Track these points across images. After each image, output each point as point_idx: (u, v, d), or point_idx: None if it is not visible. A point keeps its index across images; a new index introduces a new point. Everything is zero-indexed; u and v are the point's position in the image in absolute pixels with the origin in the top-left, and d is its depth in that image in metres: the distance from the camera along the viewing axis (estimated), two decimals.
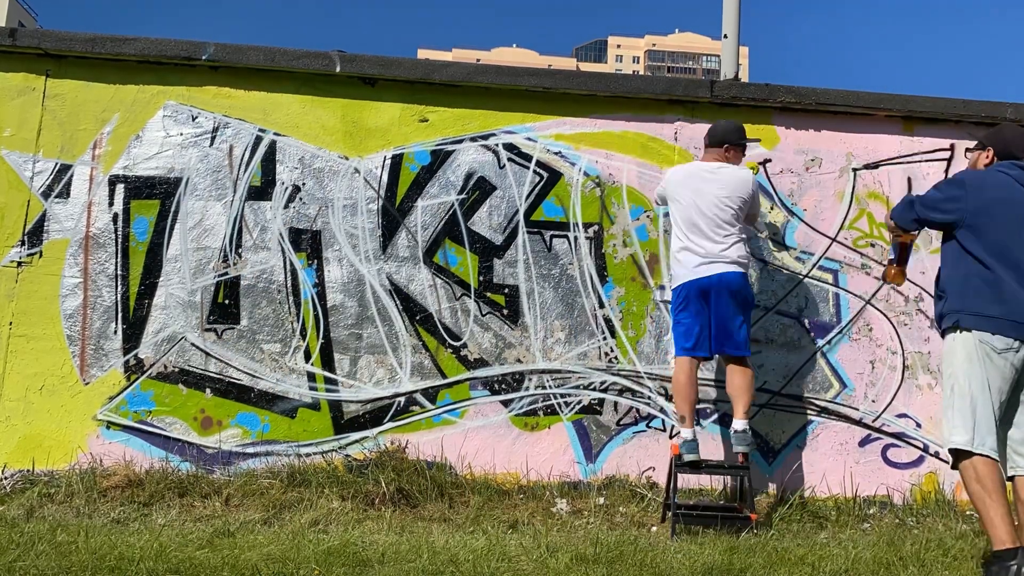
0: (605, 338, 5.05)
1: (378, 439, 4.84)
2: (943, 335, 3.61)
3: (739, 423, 4.40)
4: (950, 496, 4.95)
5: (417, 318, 4.98)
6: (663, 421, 5.00)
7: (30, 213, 4.85)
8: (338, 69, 5.06)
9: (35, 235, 4.85)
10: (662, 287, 5.09)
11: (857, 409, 5.11)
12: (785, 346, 5.12)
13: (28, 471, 4.60)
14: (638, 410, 5.00)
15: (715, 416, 5.01)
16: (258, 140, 5.04)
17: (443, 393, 4.93)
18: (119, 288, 4.85)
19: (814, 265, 5.22)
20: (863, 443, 5.07)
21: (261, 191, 5.01)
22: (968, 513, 4.74)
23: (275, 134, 5.05)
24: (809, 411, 5.08)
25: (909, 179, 5.33)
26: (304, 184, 5.03)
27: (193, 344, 4.85)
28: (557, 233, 5.11)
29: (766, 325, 5.13)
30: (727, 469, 4.59)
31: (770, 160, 5.27)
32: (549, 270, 5.07)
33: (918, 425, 5.11)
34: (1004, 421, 3.44)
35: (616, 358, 5.03)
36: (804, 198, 5.27)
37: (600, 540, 3.77)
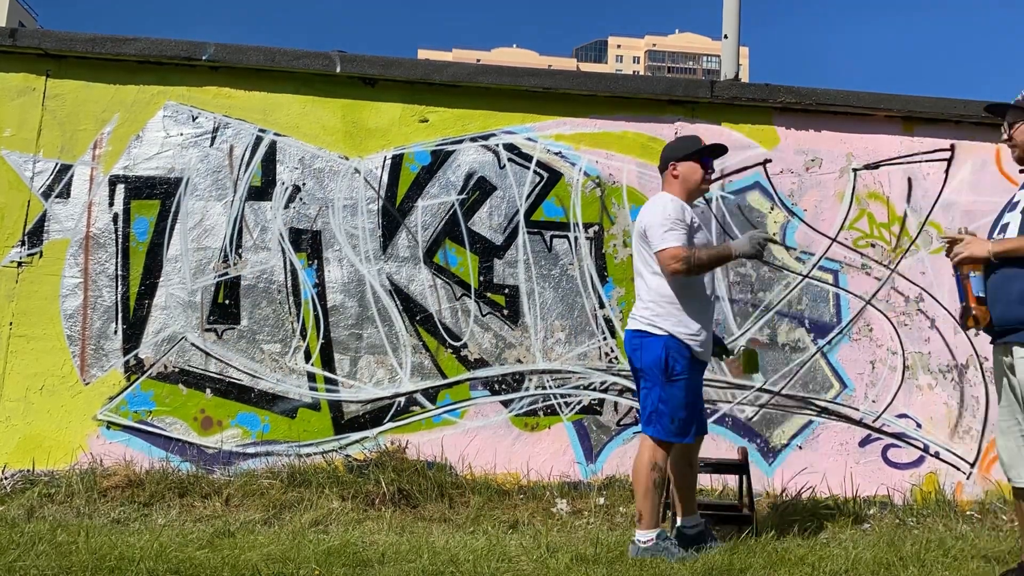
0: (605, 338, 5.05)
1: (378, 439, 4.84)
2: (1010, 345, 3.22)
3: (639, 533, 3.57)
4: (950, 496, 4.96)
5: (417, 318, 4.98)
6: None
7: (30, 213, 4.85)
8: (338, 69, 5.06)
9: (35, 235, 4.85)
10: None
11: (857, 409, 5.11)
12: (785, 346, 5.13)
13: (28, 471, 4.60)
14: (638, 410, 4.99)
15: (715, 416, 5.01)
16: (258, 140, 5.04)
17: (443, 393, 4.93)
18: (119, 288, 4.85)
19: (814, 265, 5.22)
20: (863, 443, 5.07)
21: (261, 191, 5.01)
22: (969, 514, 4.74)
23: (275, 134, 5.05)
24: (809, 411, 5.08)
25: (909, 179, 5.33)
26: (304, 184, 5.03)
27: (193, 344, 4.85)
28: (557, 233, 5.11)
29: (767, 325, 5.13)
30: (727, 468, 4.59)
31: (770, 160, 5.27)
32: (549, 270, 5.07)
33: (918, 425, 5.11)
34: None
35: (616, 358, 5.03)
36: (804, 198, 5.27)
37: (600, 540, 3.77)
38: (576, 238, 5.12)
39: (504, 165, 5.14)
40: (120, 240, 4.89)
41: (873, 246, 5.27)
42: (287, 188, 5.02)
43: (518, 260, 5.08)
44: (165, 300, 4.87)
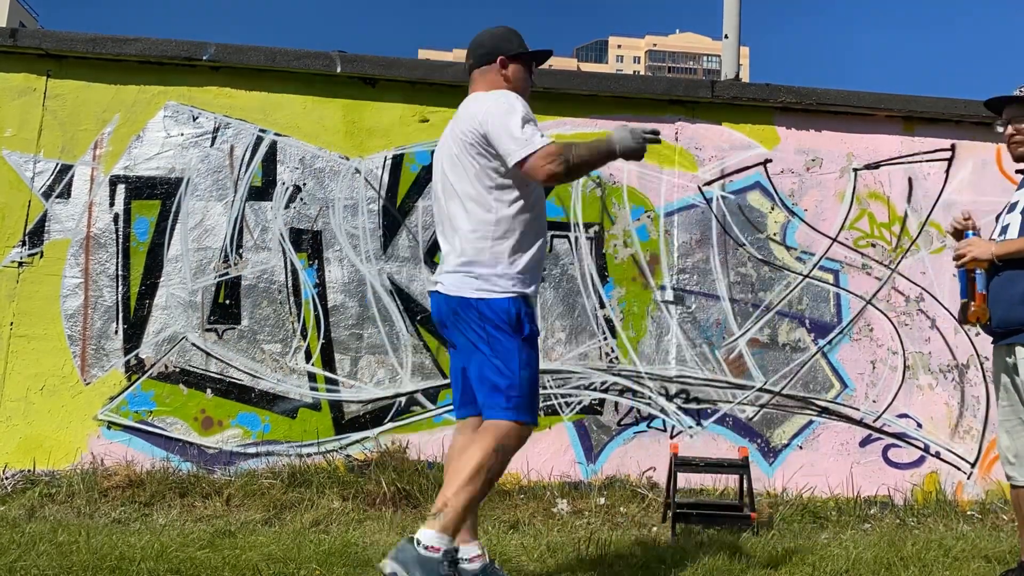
0: (606, 338, 5.05)
1: (379, 439, 4.84)
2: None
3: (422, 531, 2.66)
4: (951, 496, 4.96)
5: (418, 318, 4.98)
6: (663, 421, 5.00)
7: (31, 213, 4.86)
8: (339, 69, 5.06)
9: (36, 235, 4.85)
10: (663, 287, 5.09)
11: (858, 409, 5.11)
12: (786, 346, 5.13)
13: (29, 471, 4.60)
14: (639, 410, 5.00)
15: (715, 416, 5.01)
16: (259, 140, 5.04)
17: (444, 393, 4.93)
18: (120, 288, 4.85)
19: (815, 265, 5.22)
20: (864, 443, 5.07)
21: (262, 191, 5.01)
22: (969, 514, 4.74)
23: (276, 134, 5.05)
24: (810, 411, 5.08)
25: (910, 179, 5.33)
26: (305, 184, 5.03)
27: (194, 344, 4.85)
28: (558, 233, 5.11)
29: (767, 325, 5.13)
30: (727, 468, 4.59)
31: (771, 160, 5.27)
32: (550, 270, 5.07)
33: (919, 425, 5.11)
34: None
35: (617, 358, 5.03)
36: (805, 198, 5.27)
37: (601, 540, 3.77)
38: (577, 238, 5.12)
39: None
40: (121, 240, 4.89)
41: (874, 246, 5.27)
42: (288, 188, 5.03)
43: None
44: (166, 300, 4.87)
